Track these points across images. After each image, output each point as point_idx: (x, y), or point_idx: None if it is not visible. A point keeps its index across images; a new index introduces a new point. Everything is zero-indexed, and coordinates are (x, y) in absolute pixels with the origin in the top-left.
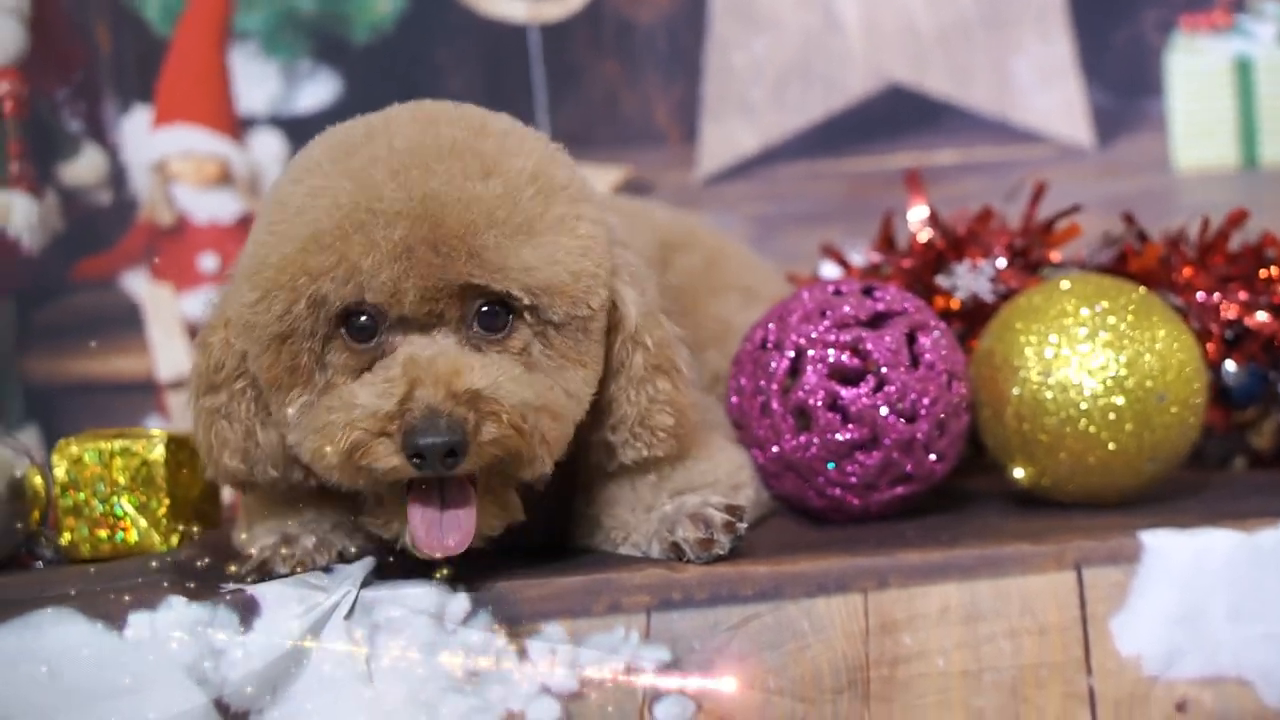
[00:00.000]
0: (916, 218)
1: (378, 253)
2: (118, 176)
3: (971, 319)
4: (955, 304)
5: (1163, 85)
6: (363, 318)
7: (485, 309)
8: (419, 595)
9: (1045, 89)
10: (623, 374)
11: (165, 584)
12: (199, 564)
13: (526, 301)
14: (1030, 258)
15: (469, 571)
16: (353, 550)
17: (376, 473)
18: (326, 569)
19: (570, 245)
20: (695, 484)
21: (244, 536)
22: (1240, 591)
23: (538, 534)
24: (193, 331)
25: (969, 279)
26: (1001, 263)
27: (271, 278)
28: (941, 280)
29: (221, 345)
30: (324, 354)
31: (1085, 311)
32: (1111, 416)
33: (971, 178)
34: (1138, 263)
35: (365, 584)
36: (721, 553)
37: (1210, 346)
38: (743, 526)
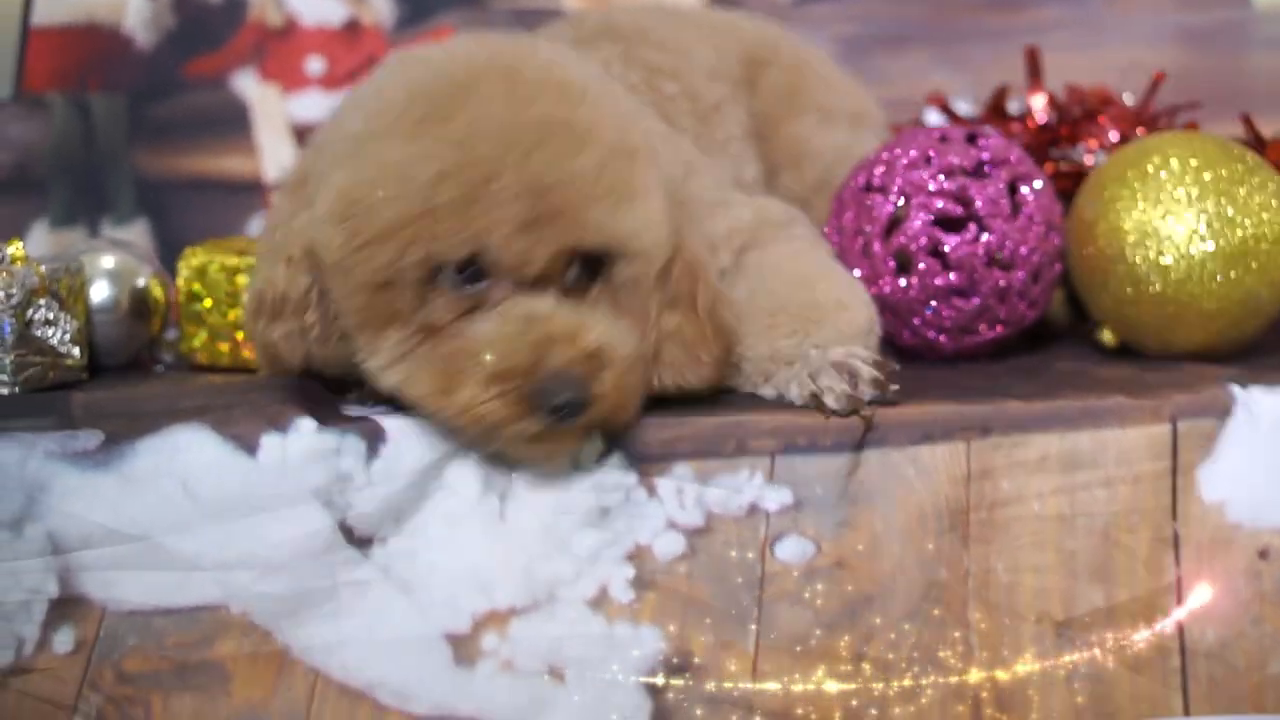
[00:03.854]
0: (1037, 105)
1: (502, 229)
2: None
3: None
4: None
5: None
6: (473, 268)
7: (579, 268)
8: None
9: None
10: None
11: (292, 406)
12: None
13: (620, 263)
14: None
15: None
16: None
17: (491, 426)
18: None
19: (655, 211)
20: (839, 336)
21: None
22: None
23: None
24: (299, 134)
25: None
26: None
27: (380, 231)
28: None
29: (287, 279)
30: (424, 296)
31: (1177, 167)
32: (1203, 274)
33: (1051, 5)
34: None
35: None
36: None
37: None
38: (894, 389)
